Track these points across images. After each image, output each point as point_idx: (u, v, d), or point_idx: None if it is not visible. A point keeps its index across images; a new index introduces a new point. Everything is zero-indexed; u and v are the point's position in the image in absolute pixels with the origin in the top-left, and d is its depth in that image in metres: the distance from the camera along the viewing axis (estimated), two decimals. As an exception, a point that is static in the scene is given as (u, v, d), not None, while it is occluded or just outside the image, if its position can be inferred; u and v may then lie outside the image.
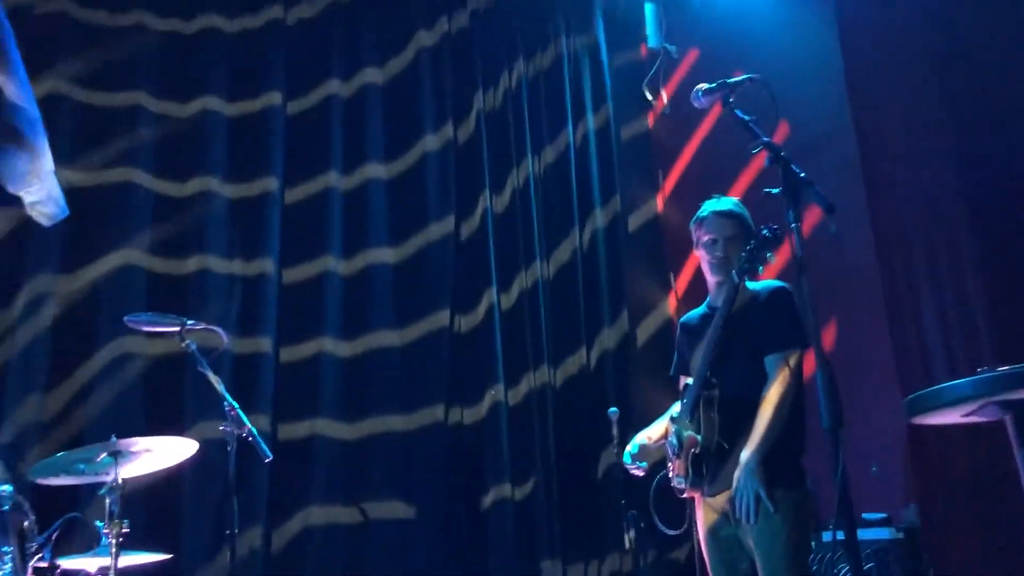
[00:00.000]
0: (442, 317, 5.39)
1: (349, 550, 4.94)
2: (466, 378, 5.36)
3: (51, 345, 4.85)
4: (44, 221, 3.42)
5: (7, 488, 3.20)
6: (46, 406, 4.76)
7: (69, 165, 4.88)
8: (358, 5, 5.82)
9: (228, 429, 3.54)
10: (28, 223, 3.93)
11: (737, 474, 2.75)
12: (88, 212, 4.85)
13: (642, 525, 4.05)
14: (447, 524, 5.08)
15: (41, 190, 3.29)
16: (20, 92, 3.19)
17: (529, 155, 5.76)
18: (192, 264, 5.22)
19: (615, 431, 4.12)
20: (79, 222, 4.32)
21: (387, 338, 5.36)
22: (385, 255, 5.51)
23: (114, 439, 3.50)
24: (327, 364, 5.23)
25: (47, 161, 3.30)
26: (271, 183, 5.39)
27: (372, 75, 5.75)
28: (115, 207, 5.18)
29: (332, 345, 5.27)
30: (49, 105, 4.73)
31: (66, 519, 3.45)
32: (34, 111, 3.28)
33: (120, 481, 3.42)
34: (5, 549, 3.12)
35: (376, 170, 5.62)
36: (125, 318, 3.78)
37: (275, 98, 5.52)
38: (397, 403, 5.26)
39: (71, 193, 3.69)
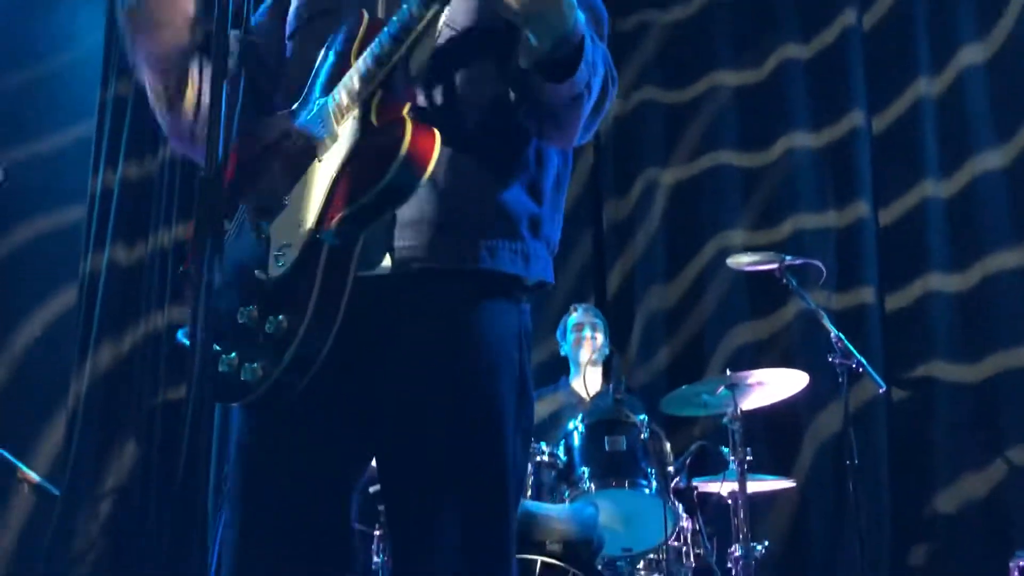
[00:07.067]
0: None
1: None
2: None
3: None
4: None
5: (643, 418, 3.60)
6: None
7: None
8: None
9: (837, 361, 3.52)
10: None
11: None
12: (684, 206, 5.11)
13: None
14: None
15: None
16: None
17: None
18: (785, 229, 4.92)
19: None
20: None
21: (1007, 260, 4.61)
22: (992, 160, 4.68)
23: (728, 372, 3.72)
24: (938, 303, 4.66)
25: None
26: (856, 117, 4.90)
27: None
28: (708, 195, 5.14)
29: (940, 281, 4.67)
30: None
31: (697, 446, 3.71)
32: None
33: (739, 411, 3.62)
34: (649, 470, 3.52)
35: (972, 55, 4.80)
36: (728, 260, 3.94)
37: (850, 17, 5.00)
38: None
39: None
